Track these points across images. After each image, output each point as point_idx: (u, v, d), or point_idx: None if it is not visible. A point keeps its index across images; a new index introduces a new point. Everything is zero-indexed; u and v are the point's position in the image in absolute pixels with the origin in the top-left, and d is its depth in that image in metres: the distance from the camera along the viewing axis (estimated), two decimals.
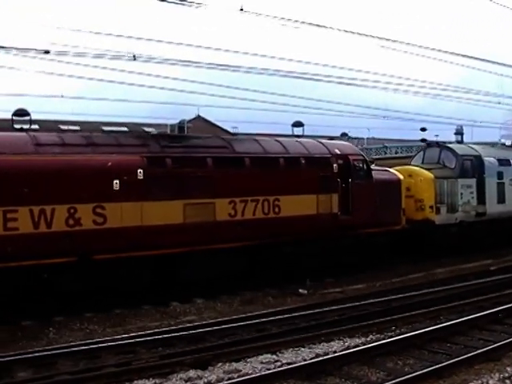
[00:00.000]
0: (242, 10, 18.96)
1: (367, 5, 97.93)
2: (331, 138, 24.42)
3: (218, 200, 17.47)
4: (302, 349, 11.81)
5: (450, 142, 30.39)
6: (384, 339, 12.30)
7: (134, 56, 20.94)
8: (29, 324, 14.45)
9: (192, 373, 10.41)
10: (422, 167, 24.41)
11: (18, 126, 17.09)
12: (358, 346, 11.91)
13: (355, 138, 49.70)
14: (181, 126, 25.04)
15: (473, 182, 25.20)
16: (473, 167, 25.34)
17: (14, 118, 17.89)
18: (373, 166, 22.43)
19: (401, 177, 22.43)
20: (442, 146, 26.45)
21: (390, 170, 23.10)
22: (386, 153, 45.71)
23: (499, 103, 34.24)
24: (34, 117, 19.17)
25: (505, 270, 20.75)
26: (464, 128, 43.94)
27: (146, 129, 31.75)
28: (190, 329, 13.39)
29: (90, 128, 34.89)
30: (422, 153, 26.34)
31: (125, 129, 37.60)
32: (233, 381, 9.90)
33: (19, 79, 78.33)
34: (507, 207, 26.33)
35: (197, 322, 14.34)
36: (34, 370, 10.81)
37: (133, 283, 16.03)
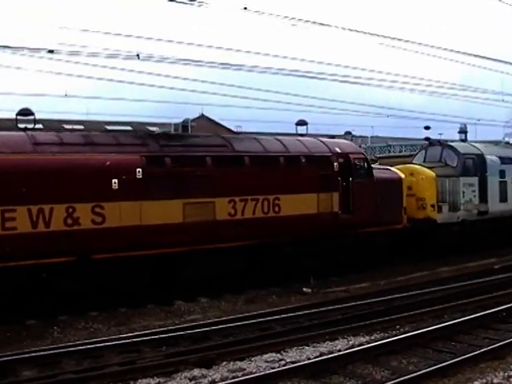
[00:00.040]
0: (245, 8, 19.17)
1: (371, 3, 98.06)
2: (332, 137, 24.57)
3: (217, 199, 17.62)
4: (307, 347, 11.97)
5: (453, 141, 30.53)
6: (388, 338, 12.45)
7: (137, 55, 21.11)
8: (33, 323, 14.66)
9: (196, 372, 10.55)
10: (423, 166, 24.53)
11: (22, 126, 17.23)
12: (362, 344, 12.06)
13: (359, 137, 49.92)
14: (185, 124, 25.23)
15: (475, 180, 25.36)
16: (475, 166, 25.47)
17: (18, 117, 18.05)
18: (375, 165, 22.56)
19: (402, 175, 22.57)
20: (443, 144, 26.54)
21: (391, 168, 23.24)
22: (389, 151, 45.82)
23: (503, 100, 34.49)
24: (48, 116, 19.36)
25: (509, 268, 20.87)
26: (468, 126, 44.18)
27: (151, 128, 31.86)
28: (194, 328, 13.54)
29: (94, 127, 35.04)
30: (423, 151, 26.44)
31: (129, 128, 37.79)
32: (237, 379, 10.03)
33: (26, 79, 78.77)
34: (509, 206, 26.49)
35: (201, 321, 14.51)
36: (39, 369, 10.98)
37: (132, 283, 16.19)
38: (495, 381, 9.93)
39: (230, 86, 29.91)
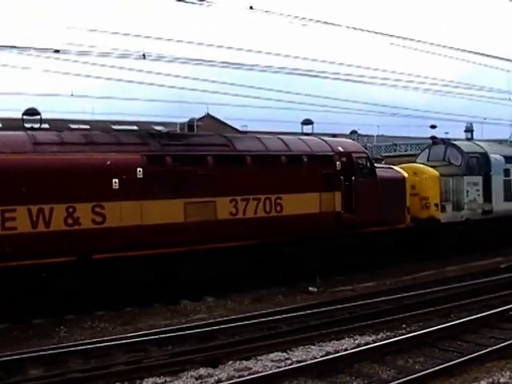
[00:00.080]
0: (251, 8, 19.34)
1: (375, 2, 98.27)
2: (334, 136, 24.77)
3: (218, 198, 17.78)
4: (313, 347, 12.12)
5: (456, 139, 30.72)
6: (394, 337, 12.62)
7: (143, 55, 21.25)
8: (40, 322, 14.90)
9: (202, 371, 10.70)
10: (427, 165, 24.73)
11: (28, 125, 17.38)
12: (368, 343, 12.22)
13: (365, 136, 50.19)
14: (190, 124, 25.37)
15: (479, 179, 25.54)
16: (479, 164, 25.65)
17: (24, 117, 18.20)
18: (380, 164, 22.67)
19: (405, 174, 22.74)
20: (447, 143, 26.66)
21: (395, 167, 23.42)
22: (395, 150, 45.98)
23: (510, 99, 34.66)
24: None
25: None
26: (474, 125, 44.46)
27: (157, 127, 31.97)
28: (200, 327, 13.73)
29: (100, 127, 35.22)
30: (427, 150, 26.57)
31: (135, 128, 37.95)
32: (243, 379, 10.18)
33: (33, 79, 79.00)
34: None
35: (207, 320, 14.73)
36: (45, 368, 11.17)
37: (133, 283, 16.37)
38: (502, 380, 10.03)
39: (231, 85, 30.23)
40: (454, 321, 13.71)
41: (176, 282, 17.41)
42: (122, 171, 16.20)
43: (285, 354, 11.70)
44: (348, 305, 15.84)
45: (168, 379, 10.43)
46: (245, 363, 11.15)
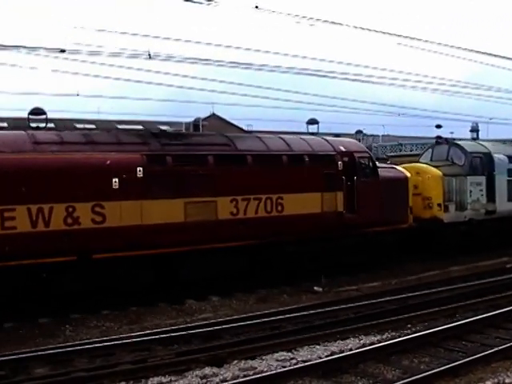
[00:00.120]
0: (257, 7, 19.51)
1: (382, 2, 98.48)
2: (337, 135, 24.94)
3: (219, 198, 17.93)
4: (318, 346, 12.30)
5: (460, 139, 30.93)
6: (400, 337, 12.79)
7: (149, 55, 21.39)
8: (45, 321, 15.10)
9: (207, 370, 10.88)
10: (430, 164, 24.87)
11: (34, 125, 17.54)
12: (373, 343, 12.40)
13: (370, 136, 50.41)
14: (196, 124, 25.45)
15: (482, 179, 25.69)
16: (482, 164, 25.80)
17: (30, 116, 18.35)
18: (384, 164, 22.78)
19: (408, 174, 22.87)
20: (450, 142, 26.76)
21: (397, 167, 23.57)
22: (401, 150, 46.19)
23: None
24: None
25: None
26: (480, 125, 44.71)
27: (162, 127, 32.16)
28: (205, 326, 13.92)
29: (106, 126, 35.46)
30: (430, 150, 26.71)
31: (140, 127, 38.14)
32: (248, 378, 10.35)
33: (41, 79, 79.10)
34: None
35: (212, 320, 14.92)
36: (51, 367, 11.36)
37: (133, 283, 16.55)
38: (507, 381, 10.17)
39: (239, 85, 30.37)
40: (459, 321, 13.89)
41: (177, 282, 17.57)
42: (122, 171, 16.35)
43: (290, 353, 11.86)
44: (353, 305, 16.02)
45: (173, 378, 10.59)
46: (250, 363, 11.32)
